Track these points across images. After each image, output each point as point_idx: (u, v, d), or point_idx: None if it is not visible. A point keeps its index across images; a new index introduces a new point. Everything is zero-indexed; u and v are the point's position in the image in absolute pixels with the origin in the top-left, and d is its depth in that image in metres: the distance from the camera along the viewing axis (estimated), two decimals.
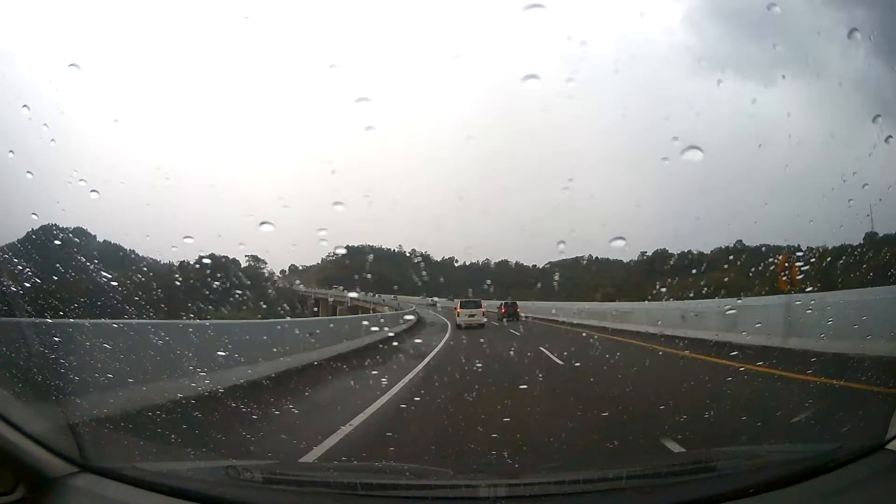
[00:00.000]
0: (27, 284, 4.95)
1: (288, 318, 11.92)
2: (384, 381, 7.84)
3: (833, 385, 6.14)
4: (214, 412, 5.50)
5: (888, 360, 6.70)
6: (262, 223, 5.21)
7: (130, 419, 4.85)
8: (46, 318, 4.87)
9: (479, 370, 8.95)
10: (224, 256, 10.97)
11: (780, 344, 9.62)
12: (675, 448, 4.11)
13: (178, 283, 9.41)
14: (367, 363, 10.24)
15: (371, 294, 30.30)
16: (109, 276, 7.11)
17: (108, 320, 6.00)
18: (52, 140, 4.89)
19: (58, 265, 6.73)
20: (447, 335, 16.30)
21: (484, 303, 23.38)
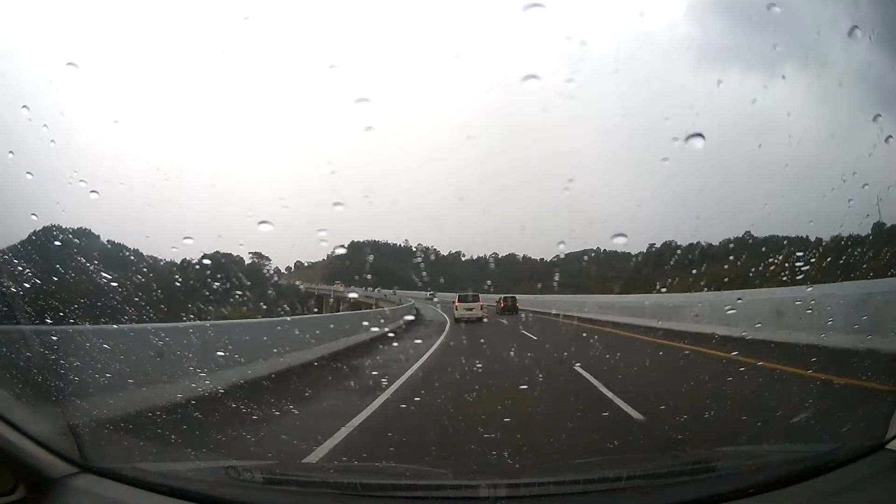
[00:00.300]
0: (27, 285, 4.95)
1: (287, 318, 11.89)
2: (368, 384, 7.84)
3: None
4: (214, 413, 5.51)
5: None
6: (261, 222, 5.22)
7: (130, 420, 4.86)
8: (47, 319, 4.88)
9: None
10: (228, 254, 11.03)
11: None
12: None
13: (179, 283, 9.42)
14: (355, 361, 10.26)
15: (372, 290, 30.48)
16: (109, 277, 7.11)
17: (107, 325, 6.01)
18: (52, 140, 4.90)
19: (58, 266, 6.74)
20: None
21: (487, 297, 23.75)
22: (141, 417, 4.96)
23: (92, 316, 6.29)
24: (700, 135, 4.24)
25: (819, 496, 1.81)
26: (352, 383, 8.15)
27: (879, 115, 4.70)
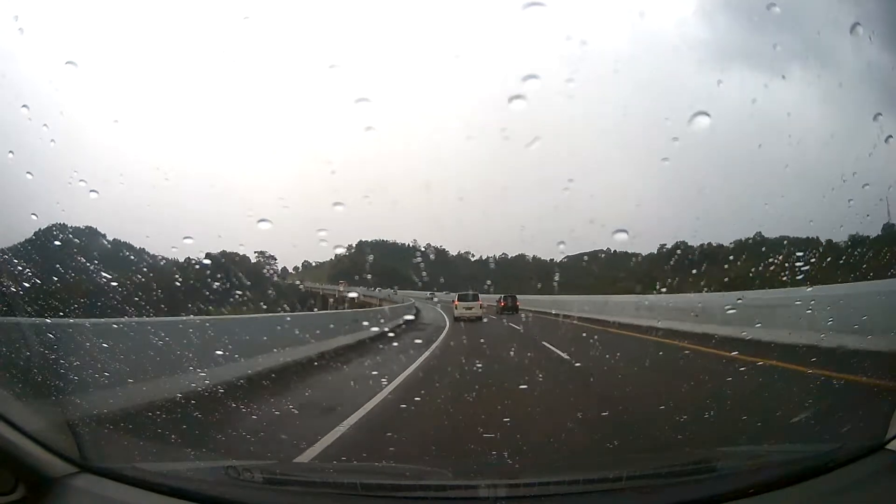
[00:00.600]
0: (26, 284, 4.96)
1: (287, 316, 11.91)
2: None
3: None
4: (213, 411, 5.52)
5: None
6: (261, 220, 5.22)
7: (130, 419, 4.86)
8: (46, 319, 4.88)
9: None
10: (233, 253, 11.05)
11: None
12: None
13: (180, 283, 9.41)
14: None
15: (373, 289, 30.73)
16: (109, 277, 7.10)
17: (107, 319, 6.02)
18: (52, 140, 4.89)
19: (61, 265, 6.74)
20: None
21: (489, 297, 23.91)
22: (141, 416, 4.97)
23: (93, 315, 6.29)
24: (705, 113, 4.22)
25: (819, 496, 1.81)
26: (351, 382, 8.15)
27: (880, 114, 4.68)
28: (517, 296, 29.52)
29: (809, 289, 9.03)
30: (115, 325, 5.96)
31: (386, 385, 7.44)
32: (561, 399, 6.58)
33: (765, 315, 10.73)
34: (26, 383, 3.23)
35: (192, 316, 8.13)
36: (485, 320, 23.27)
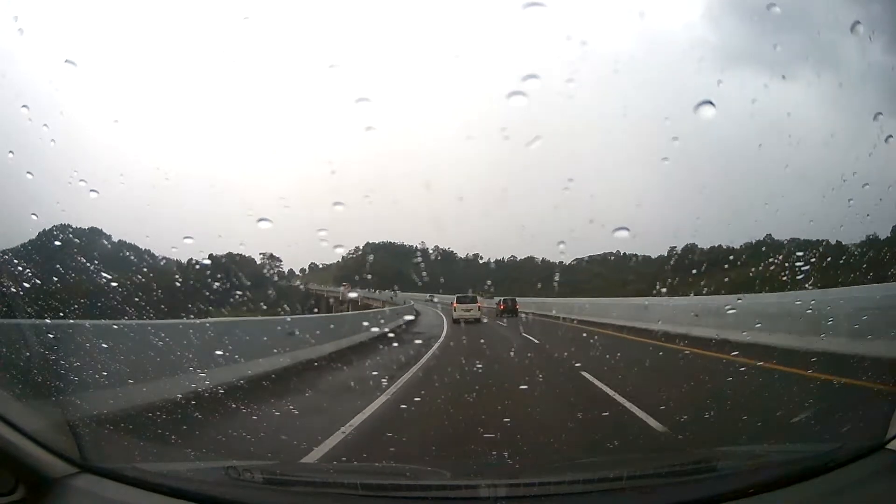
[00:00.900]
0: (26, 285, 4.95)
1: (287, 318, 11.91)
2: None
3: None
4: (213, 412, 5.52)
5: None
6: (260, 220, 5.19)
7: (131, 419, 4.87)
8: (46, 319, 4.88)
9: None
10: (239, 254, 11.07)
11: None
12: None
13: (182, 284, 9.42)
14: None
15: (373, 291, 30.91)
16: (110, 277, 7.11)
17: (107, 321, 6.02)
18: (52, 140, 4.89)
19: (63, 266, 6.75)
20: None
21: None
22: (141, 417, 4.97)
23: (96, 316, 6.29)
24: (710, 102, 4.19)
25: (819, 496, 1.81)
26: (351, 383, 8.15)
27: (880, 114, 4.67)
28: (517, 298, 29.52)
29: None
30: (115, 326, 5.96)
31: (386, 386, 7.45)
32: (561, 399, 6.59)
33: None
34: (26, 383, 3.23)
35: (192, 317, 8.14)
36: (484, 320, 23.26)
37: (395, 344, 13.51)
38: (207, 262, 8.48)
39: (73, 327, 5.39)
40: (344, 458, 4.35)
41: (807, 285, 8.71)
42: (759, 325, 10.63)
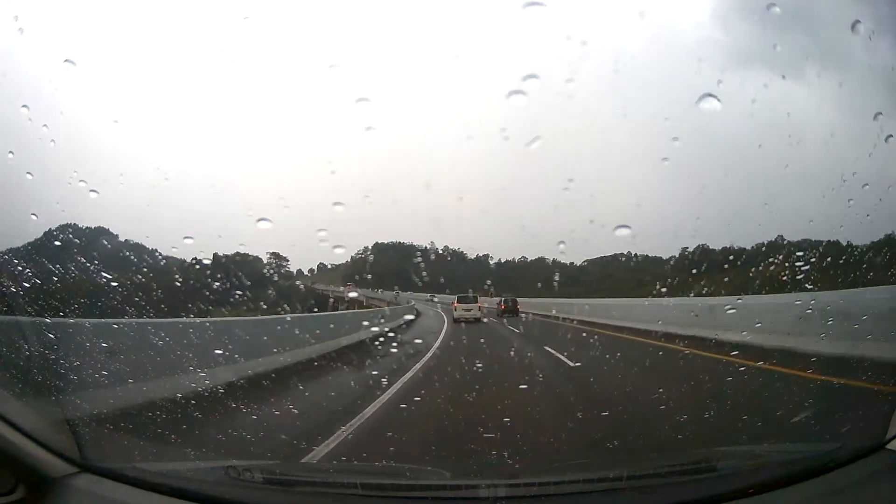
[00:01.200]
0: (27, 285, 4.95)
1: (287, 317, 11.90)
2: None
3: None
4: (213, 412, 5.52)
5: None
6: (260, 219, 5.19)
7: (130, 419, 4.86)
8: (46, 319, 4.88)
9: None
10: (246, 254, 11.05)
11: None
12: None
13: (191, 283, 9.41)
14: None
15: (377, 291, 31.19)
16: (110, 277, 7.11)
17: (107, 320, 6.02)
18: (52, 140, 4.88)
19: (70, 266, 6.75)
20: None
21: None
22: (141, 416, 4.97)
23: (96, 316, 6.29)
24: (713, 95, 4.16)
25: (819, 496, 1.81)
26: (352, 383, 8.15)
27: (880, 114, 4.66)
28: (517, 298, 29.49)
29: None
30: (115, 325, 5.96)
31: (386, 385, 7.45)
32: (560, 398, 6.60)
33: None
34: (26, 383, 3.23)
35: (192, 317, 8.13)
36: (485, 321, 23.26)
37: (395, 343, 13.52)
38: (209, 261, 8.46)
39: (73, 326, 5.39)
40: (344, 458, 4.35)
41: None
42: (759, 324, 10.62)
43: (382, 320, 18.35)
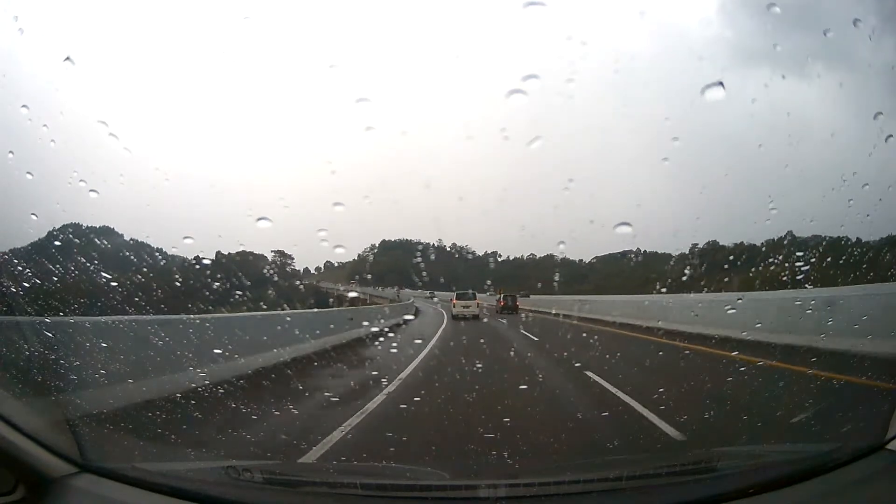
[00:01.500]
0: (25, 284, 4.95)
1: (288, 316, 11.91)
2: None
3: None
4: (212, 410, 5.52)
5: None
6: (260, 219, 5.18)
7: (130, 418, 4.87)
8: (45, 319, 4.88)
9: None
10: (250, 253, 11.04)
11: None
12: None
13: (188, 283, 9.41)
14: None
15: (378, 289, 31.37)
16: (110, 277, 7.11)
17: (106, 318, 6.01)
18: (52, 140, 4.88)
19: (76, 266, 6.75)
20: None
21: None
22: (141, 416, 4.97)
23: (105, 314, 6.29)
24: (720, 84, 4.12)
25: (819, 496, 1.81)
26: (351, 382, 8.15)
27: (880, 113, 4.65)
28: (517, 296, 29.51)
29: None
30: (114, 324, 5.96)
31: (386, 384, 7.45)
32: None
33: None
34: (26, 382, 3.23)
35: (191, 315, 8.14)
36: (485, 319, 23.28)
37: (395, 341, 13.53)
38: (208, 261, 8.48)
39: (72, 326, 5.39)
40: (343, 458, 4.35)
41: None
42: (758, 324, 10.63)
43: (381, 319, 18.38)
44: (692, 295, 14.38)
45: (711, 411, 5.47)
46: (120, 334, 5.85)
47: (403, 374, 8.49)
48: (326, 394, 6.96)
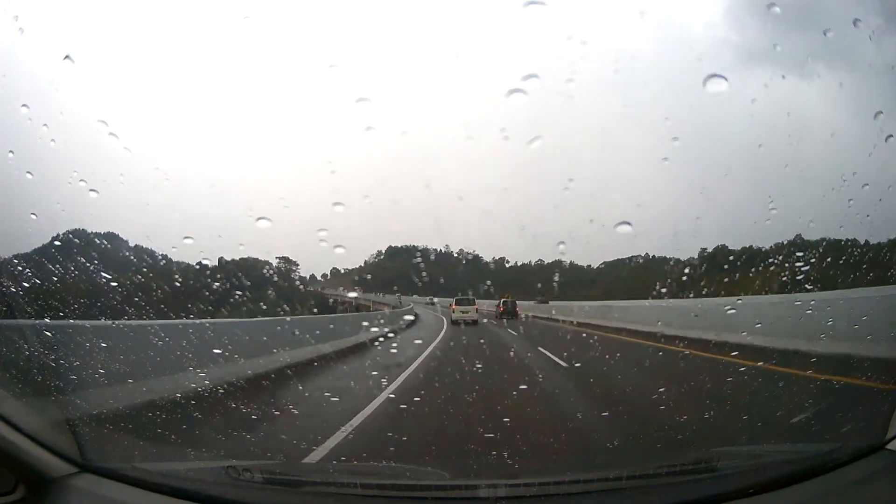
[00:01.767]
0: (26, 285, 4.95)
1: (287, 318, 11.93)
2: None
3: None
4: (213, 412, 5.52)
5: None
6: (259, 219, 5.17)
7: (130, 418, 4.86)
8: (46, 319, 4.88)
9: None
10: (254, 258, 11.05)
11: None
12: None
13: (189, 285, 9.41)
14: None
15: (379, 294, 31.44)
16: (109, 277, 7.11)
17: (106, 320, 6.02)
18: (52, 140, 4.87)
19: (80, 270, 6.76)
20: None
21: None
22: (141, 416, 4.97)
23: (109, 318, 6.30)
24: (721, 76, 4.08)
25: (819, 496, 1.81)
26: (351, 383, 8.15)
27: (881, 113, 4.64)
28: (517, 301, 29.42)
29: None
30: (114, 325, 5.96)
31: (386, 385, 7.45)
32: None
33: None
34: (26, 383, 3.23)
35: (192, 318, 8.15)
36: (485, 321, 23.28)
37: (395, 343, 13.53)
38: (209, 262, 8.46)
39: (72, 327, 5.39)
40: (344, 458, 4.34)
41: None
42: (758, 325, 10.61)
43: (382, 321, 18.44)
44: (681, 300, 14.29)
45: (709, 405, 5.48)
46: (120, 335, 5.85)
47: (403, 376, 8.49)
48: (326, 394, 6.96)
